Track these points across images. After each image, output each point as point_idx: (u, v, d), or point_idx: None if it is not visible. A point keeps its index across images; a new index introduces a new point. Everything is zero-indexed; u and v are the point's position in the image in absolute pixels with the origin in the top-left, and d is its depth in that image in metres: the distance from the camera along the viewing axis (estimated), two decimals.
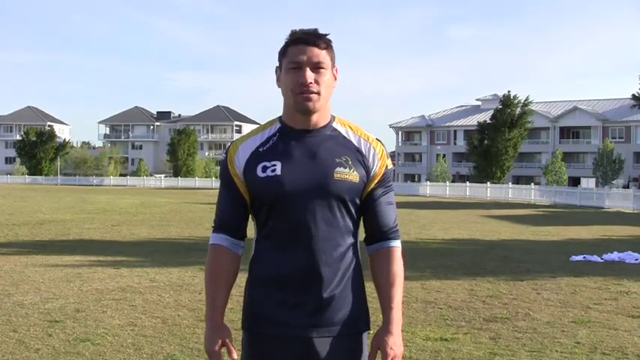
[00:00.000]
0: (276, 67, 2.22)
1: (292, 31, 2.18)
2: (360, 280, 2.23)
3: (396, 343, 2.16)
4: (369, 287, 2.25)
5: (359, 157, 2.19)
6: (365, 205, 2.22)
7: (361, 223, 2.26)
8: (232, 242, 2.25)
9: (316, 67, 2.12)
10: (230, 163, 2.21)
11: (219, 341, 2.26)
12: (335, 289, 2.15)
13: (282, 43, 2.20)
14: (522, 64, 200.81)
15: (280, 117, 2.26)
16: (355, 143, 2.21)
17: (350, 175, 2.14)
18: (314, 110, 2.14)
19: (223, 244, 2.25)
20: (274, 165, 2.15)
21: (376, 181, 2.20)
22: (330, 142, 2.18)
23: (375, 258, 2.24)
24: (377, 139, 2.26)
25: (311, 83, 2.11)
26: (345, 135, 2.22)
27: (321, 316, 2.14)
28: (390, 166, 2.25)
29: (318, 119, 2.18)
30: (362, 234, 2.25)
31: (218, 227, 2.26)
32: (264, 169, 2.16)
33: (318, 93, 2.13)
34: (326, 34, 2.17)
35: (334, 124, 2.23)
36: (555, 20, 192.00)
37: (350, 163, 2.16)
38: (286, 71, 2.15)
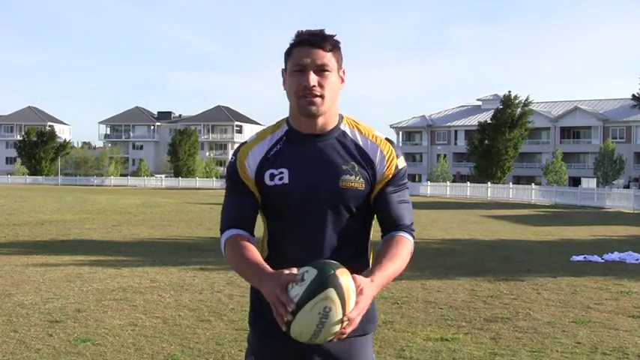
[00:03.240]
0: (282, 69, 2.19)
1: (298, 31, 2.14)
2: None
3: (367, 287, 1.95)
4: None
5: (366, 161, 2.16)
6: (376, 204, 2.20)
7: (375, 223, 2.26)
8: (244, 232, 2.19)
9: (321, 70, 2.09)
10: (241, 167, 2.20)
11: (278, 285, 1.92)
12: None
13: (282, 43, 2.19)
14: (523, 64, 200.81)
15: (287, 118, 2.24)
16: (362, 146, 2.18)
17: (355, 182, 2.13)
18: (318, 114, 2.12)
19: (235, 233, 2.18)
20: (282, 173, 2.15)
21: (385, 181, 2.18)
22: (337, 147, 2.16)
23: (382, 243, 2.18)
24: (386, 139, 2.23)
25: (314, 86, 2.08)
26: (353, 138, 2.19)
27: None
28: (402, 165, 2.22)
29: (325, 122, 2.16)
30: (377, 235, 2.25)
31: (227, 226, 2.20)
32: (272, 176, 2.16)
33: (322, 96, 2.10)
34: (333, 35, 2.13)
35: (342, 127, 2.20)
36: (556, 20, 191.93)
37: (356, 169, 2.14)
38: (290, 74, 2.12)
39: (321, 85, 2.09)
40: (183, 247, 13.15)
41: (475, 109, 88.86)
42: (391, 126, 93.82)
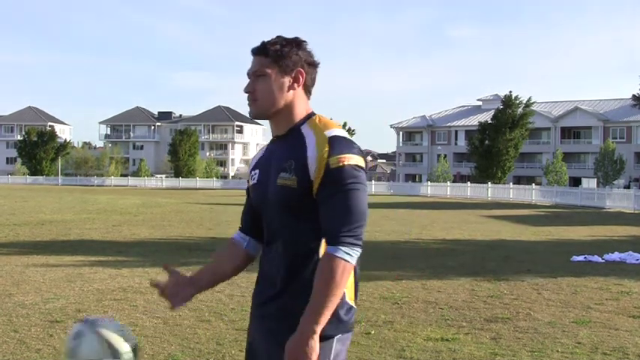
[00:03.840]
0: None
1: None
2: None
3: (296, 347, 2.02)
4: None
5: (303, 159, 2.13)
6: (318, 208, 2.14)
7: None
8: (241, 235, 2.43)
9: (256, 75, 2.23)
10: (249, 173, 2.41)
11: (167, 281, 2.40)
12: (295, 293, 2.14)
13: None
14: (523, 64, 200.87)
15: None
16: (307, 144, 2.15)
17: (289, 180, 2.14)
18: (255, 116, 2.26)
19: (233, 236, 2.46)
20: (254, 173, 2.32)
21: (318, 182, 2.10)
22: (287, 146, 2.20)
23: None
24: (332, 136, 2.13)
25: (249, 92, 2.24)
26: (305, 137, 2.18)
27: (284, 316, 2.15)
28: (336, 165, 2.08)
29: (279, 124, 2.26)
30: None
31: (239, 228, 2.46)
32: (252, 177, 2.34)
33: (255, 100, 2.23)
34: (274, 42, 2.23)
35: (303, 127, 2.21)
36: (556, 20, 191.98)
37: (292, 167, 2.14)
38: None
39: (255, 90, 2.23)
40: (183, 247, 13.15)
41: (475, 109, 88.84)
42: (391, 126, 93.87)
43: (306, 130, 2.20)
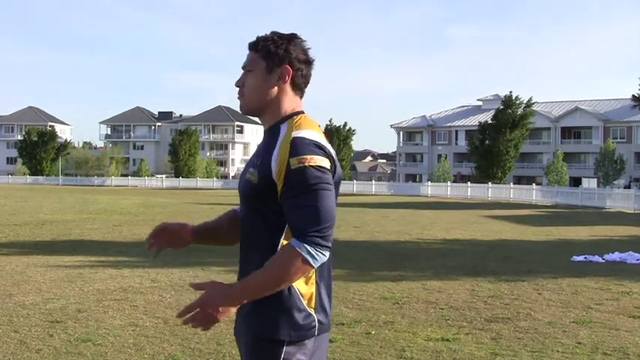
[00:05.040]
0: None
1: None
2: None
3: (212, 292, 2.05)
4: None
5: (269, 158, 2.12)
6: (279, 208, 2.12)
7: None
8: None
9: (246, 70, 2.25)
10: None
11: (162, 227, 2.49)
12: None
13: None
14: (524, 65, 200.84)
15: None
16: (277, 143, 2.14)
17: (252, 175, 2.16)
18: (243, 111, 2.29)
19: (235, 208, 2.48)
20: (246, 163, 2.34)
21: (281, 183, 2.08)
22: (265, 142, 2.22)
23: None
24: (295, 137, 2.10)
25: (238, 86, 2.26)
26: (280, 135, 2.16)
27: (244, 315, 2.17)
28: (297, 166, 2.04)
29: (266, 120, 2.25)
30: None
31: None
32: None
33: (242, 94, 2.26)
34: (266, 37, 2.23)
35: (283, 125, 2.19)
36: (556, 20, 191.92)
37: (258, 163, 2.15)
38: None
39: (244, 85, 2.25)
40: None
41: (476, 109, 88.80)
42: (392, 126, 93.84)
43: (283, 128, 2.17)
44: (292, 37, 2.23)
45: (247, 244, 2.22)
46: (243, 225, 2.25)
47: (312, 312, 2.12)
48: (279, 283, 2.02)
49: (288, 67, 2.19)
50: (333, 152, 2.15)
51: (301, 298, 2.10)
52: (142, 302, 7.42)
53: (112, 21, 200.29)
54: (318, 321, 2.12)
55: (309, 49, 2.25)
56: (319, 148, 2.09)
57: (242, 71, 2.27)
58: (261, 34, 2.25)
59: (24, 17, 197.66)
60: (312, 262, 2.00)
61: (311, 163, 2.04)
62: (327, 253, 2.04)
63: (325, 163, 2.07)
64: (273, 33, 2.24)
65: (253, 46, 2.23)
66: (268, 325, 2.08)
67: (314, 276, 2.13)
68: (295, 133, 2.10)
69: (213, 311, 2.04)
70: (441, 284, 8.87)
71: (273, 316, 2.08)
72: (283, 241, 2.10)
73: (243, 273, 2.20)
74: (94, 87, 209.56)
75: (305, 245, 2.00)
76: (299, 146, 2.07)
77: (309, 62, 2.24)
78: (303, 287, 2.11)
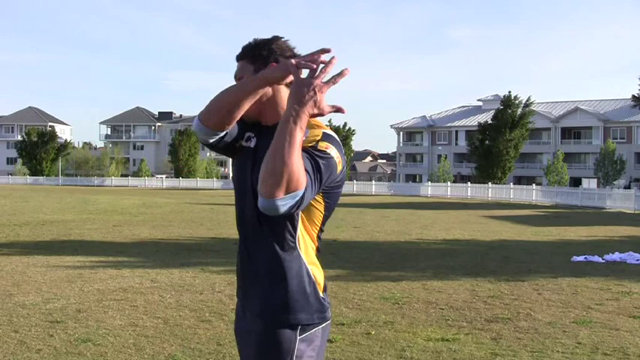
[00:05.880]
0: None
1: None
2: (280, 270, 2.14)
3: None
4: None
5: None
6: None
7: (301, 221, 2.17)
8: None
9: (237, 80, 2.26)
10: None
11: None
12: (254, 280, 2.20)
13: None
14: (524, 65, 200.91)
15: None
16: None
17: None
18: (245, 119, 2.27)
19: None
20: None
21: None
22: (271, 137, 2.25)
23: None
24: (324, 132, 2.15)
25: None
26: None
27: (250, 304, 2.21)
28: (324, 148, 2.09)
29: (268, 121, 2.25)
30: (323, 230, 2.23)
31: None
32: None
33: None
34: (249, 45, 2.26)
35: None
36: (556, 20, 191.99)
37: None
38: None
39: None
40: (183, 247, 13.15)
41: (476, 110, 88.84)
42: (392, 126, 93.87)
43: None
44: (274, 39, 2.26)
45: (255, 241, 2.21)
46: (248, 221, 2.23)
47: (323, 295, 2.20)
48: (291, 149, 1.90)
49: (275, 64, 2.20)
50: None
51: (316, 283, 2.18)
52: (142, 302, 7.42)
53: (112, 21, 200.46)
54: (328, 303, 2.22)
55: (293, 47, 2.26)
56: (340, 150, 2.14)
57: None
58: (245, 43, 2.29)
59: (24, 17, 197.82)
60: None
61: (333, 155, 2.08)
62: (294, 200, 1.93)
63: (340, 166, 2.13)
64: (255, 39, 2.28)
65: (240, 56, 2.28)
66: (286, 310, 2.13)
67: (321, 268, 2.23)
68: (324, 130, 2.15)
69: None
70: (441, 284, 8.87)
71: (300, 302, 2.13)
72: (298, 235, 2.15)
73: (245, 272, 2.23)
74: (94, 87, 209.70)
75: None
76: (330, 139, 2.11)
77: (295, 57, 2.23)
78: (318, 273, 2.20)
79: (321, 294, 2.18)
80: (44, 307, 7.05)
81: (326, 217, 2.23)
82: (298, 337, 2.12)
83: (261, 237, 2.18)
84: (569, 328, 6.40)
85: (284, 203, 1.90)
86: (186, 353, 5.37)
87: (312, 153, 2.05)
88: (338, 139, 2.18)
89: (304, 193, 1.92)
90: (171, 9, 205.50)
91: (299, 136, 1.90)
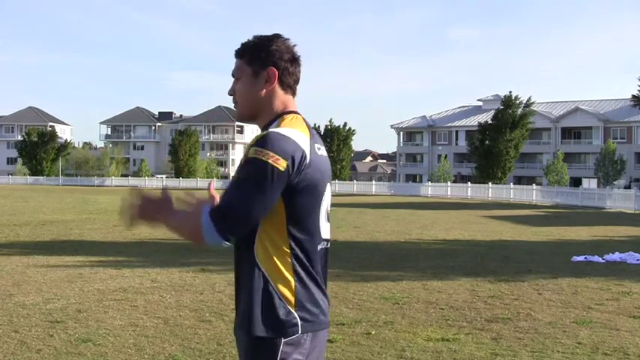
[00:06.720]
0: None
1: None
2: (254, 282, 2.11)
3: (156, 202, 2.14)
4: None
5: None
6: None
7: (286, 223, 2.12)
8: None
9: (235, 78, 2.27)
10: None
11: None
12: (240, 289, 2.19)
13: None
14: (524, 65, 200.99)
15: None
16: None
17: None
18: (238, 119, 2.32)
19: None
20: None
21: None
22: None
23: None
24: (270, 131, 2.07)
25: (231, 95, 2.29)
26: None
27: (237, 314, 2.21)
28: (252, 156, 2.03)
29: (260, 123, 2.25)
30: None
31: None
32: None
33: (236, 102, 2.28)
34: (247, 43, 2.24)
35: (273, 123, 2.18)
36: (557, 21, 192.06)
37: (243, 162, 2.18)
38: None
39: (235, 93, 2.27)
40: (183, 247, 13.14)
41: (476, 110, 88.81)
42: (392, 126, 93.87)
43: (272, 127, 2.17)
44: (274, 38, 2.21)
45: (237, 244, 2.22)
46: None
47: (292, 310, 2.10)
48: (179, 232, 2.12)
49: (273, 68, 2.18)
50: (307, 153, 2.08)
51: (280, 296, 2.09)
52: (142, 302, 7.42)
53: (112, 21, 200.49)
54: (301, 318, 2.10)
55: (294, 46, 2.22)
56: (285, 148, 2.03)
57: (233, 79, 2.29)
58: (245, 40, 2.25)
59: (24, 17, 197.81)
60: (204, 234, 2.02)
61: (266, 159, 2.00)
62: (221, 239, 2.03)
63: (281, 163, 2.02)
64: (255, 37, 2.24)
65: (238, 54, 2.25)
66: (250, 322, 2.09)
67: (292, 274, 2.11)
68: (272, 128, 2.10)
69: (144, 212, 2.13)
70: (441, 284, 8.87)
71: (255, 313, 2.08)
72: (275, 236, 2.10)
73: (237, 272, 2.24)
74: (94, 87, 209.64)
75: (209, 216, 2.01)
76: (266, 140, 2.03)
77: (294, 60, 2.22)
78: (282, 286, 2.09)
79: (286, 306, 2.09)
80: (44, 307, 7.05)
81: (296, 218, 2.10)
82: (283, 340, 2.08)
83: (235, 244, 2.18)
84: (569, 328, 6.40)
85: (213, 238, 2.03)
86: (186, 353, 5.37)
87: (237, 171, 2.10)
88: (289, 134, 2.07)
89: (224, 216, 2.00)
90: (172, 9, 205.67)
91: (173, 224, 2.12)
